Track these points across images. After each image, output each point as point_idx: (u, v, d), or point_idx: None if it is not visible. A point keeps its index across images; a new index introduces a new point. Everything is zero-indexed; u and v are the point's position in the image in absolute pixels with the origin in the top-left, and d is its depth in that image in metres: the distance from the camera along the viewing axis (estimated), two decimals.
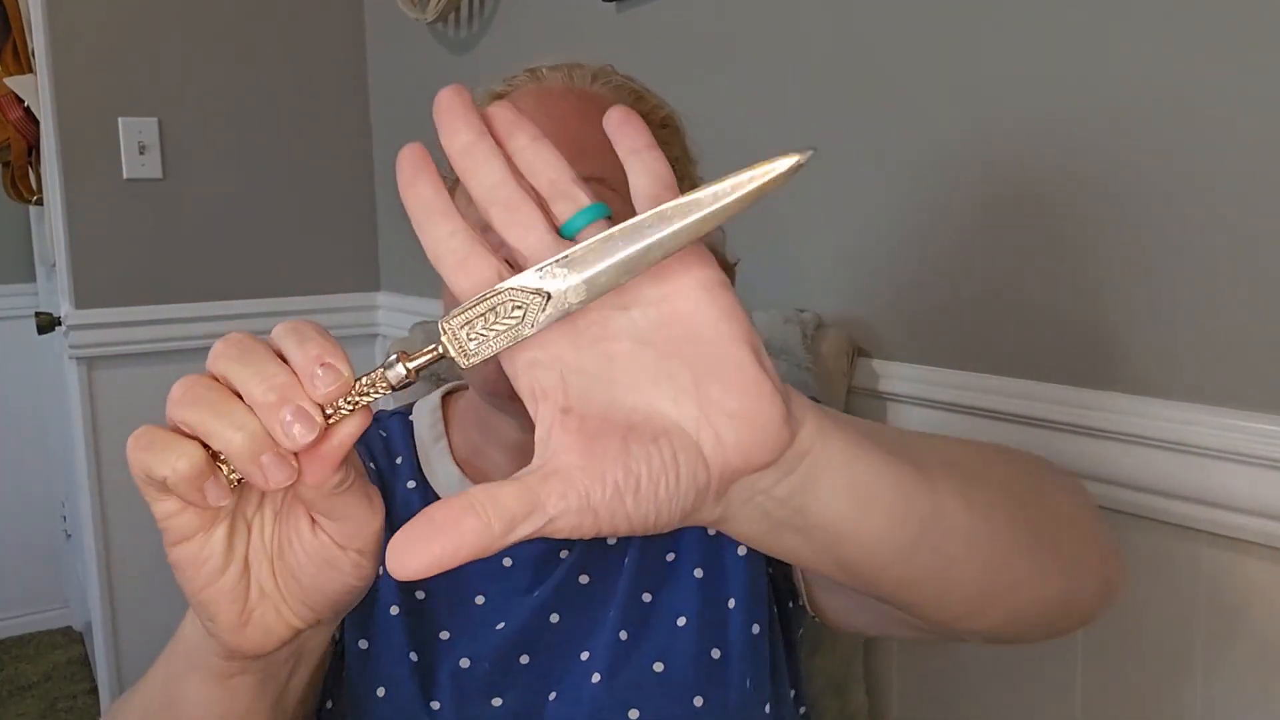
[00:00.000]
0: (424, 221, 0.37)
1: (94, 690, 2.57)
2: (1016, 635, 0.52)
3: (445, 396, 0.80)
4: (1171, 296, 0.78)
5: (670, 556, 0.70)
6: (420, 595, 0.69)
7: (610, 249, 0.35)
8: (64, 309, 1.87)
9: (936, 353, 0.96)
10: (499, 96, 0.69)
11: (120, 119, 1.87)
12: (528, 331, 0.36)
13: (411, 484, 0.73)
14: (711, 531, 0.71)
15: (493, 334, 0.36)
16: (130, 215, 1.90)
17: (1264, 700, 0.75)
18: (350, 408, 0.38)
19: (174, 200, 1.94)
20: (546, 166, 0.38)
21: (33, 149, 2.35)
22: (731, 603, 0.68)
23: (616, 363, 0.36)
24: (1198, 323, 0.76)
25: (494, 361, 0.37)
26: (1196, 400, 0.77)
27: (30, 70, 2.21)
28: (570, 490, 0.34)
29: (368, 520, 0.43)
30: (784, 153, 0.35)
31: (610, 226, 0.36)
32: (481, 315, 0.36)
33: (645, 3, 1.30)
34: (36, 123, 2.17)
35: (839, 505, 0.39)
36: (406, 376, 0.38)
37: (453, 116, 0.38)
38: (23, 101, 2.30)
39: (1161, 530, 0.80)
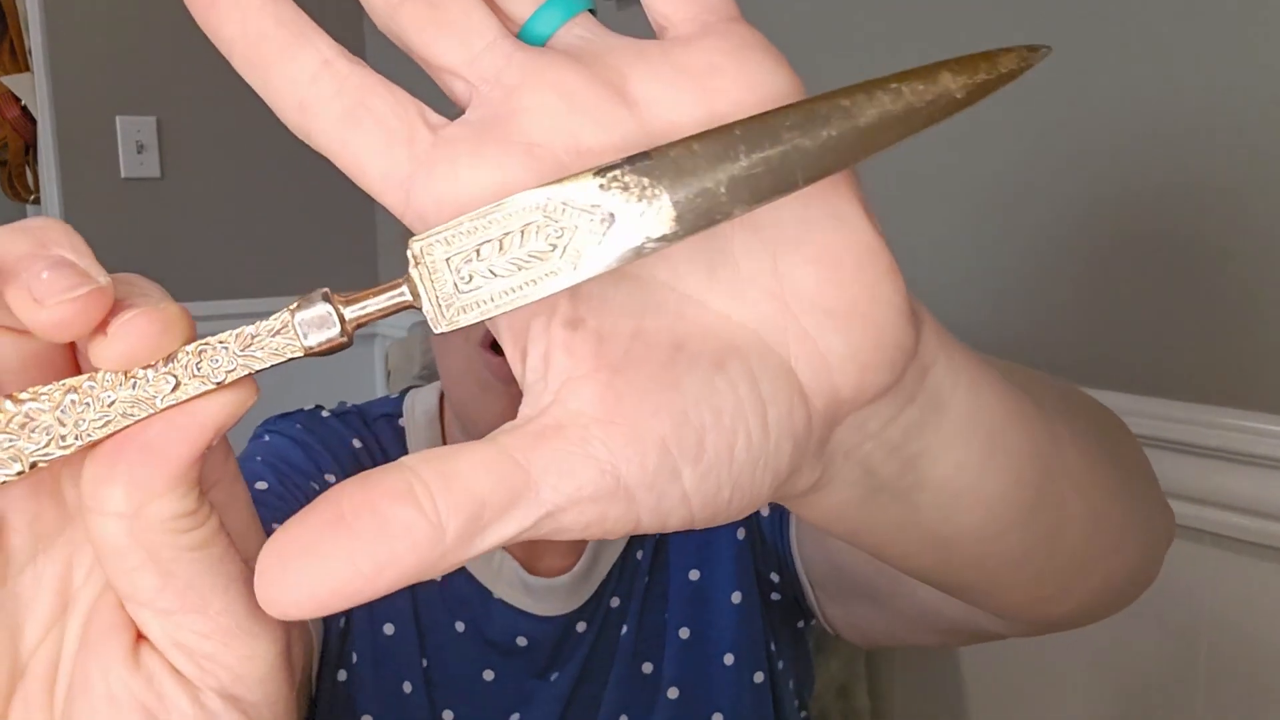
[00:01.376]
0: (259, 54, 0.22)
1: None
2: (1090, 615, 0.40)
3: (443, 396, 0.71)
4: (1175, 297, 0.77)
5: (647, 668, 0.65)
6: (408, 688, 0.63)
7: (725, 150, 0.21)
8: None
9: None
10: None
11: (118, 118, 1.87)
12: (569, 277, 0.21)
13: None
14: (694, 576, 0.67)
15: (503, 278, 0.21)
16: (128, 215, 1.90)
17: (1264, 701, 0.75)
18: (223, 376, 0.21)
19: (172, 200, 1.94)
20: None
21: (30, 148, 2.35)
22: (729, 658, 0.65)
23: None
24: (1197, 322, 0.76)
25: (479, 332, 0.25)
26: (1198, 400, 0.76)
27: (27, 69, 2.20)
28: (585, 459, 0.20)
29: (251, 632, 0.22)
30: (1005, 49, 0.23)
31: (594, 26, 0.24)
32: (489, 241, 0.21)
33: None
34: (34, 122, 2.16)
35: (960, 449, 0.28)
36: (336, 335, 0.21)
37: None
38: (20, 100, 2.29)
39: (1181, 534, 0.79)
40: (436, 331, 0.22)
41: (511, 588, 0.64)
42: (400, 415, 0.69)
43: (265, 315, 0.21)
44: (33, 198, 2.49)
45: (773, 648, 0.67)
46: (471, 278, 0.21)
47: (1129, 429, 0.44)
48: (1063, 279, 0.85)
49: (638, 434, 0.21)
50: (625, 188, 0.21)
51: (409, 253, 0.21)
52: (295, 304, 0.21)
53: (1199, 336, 0.76)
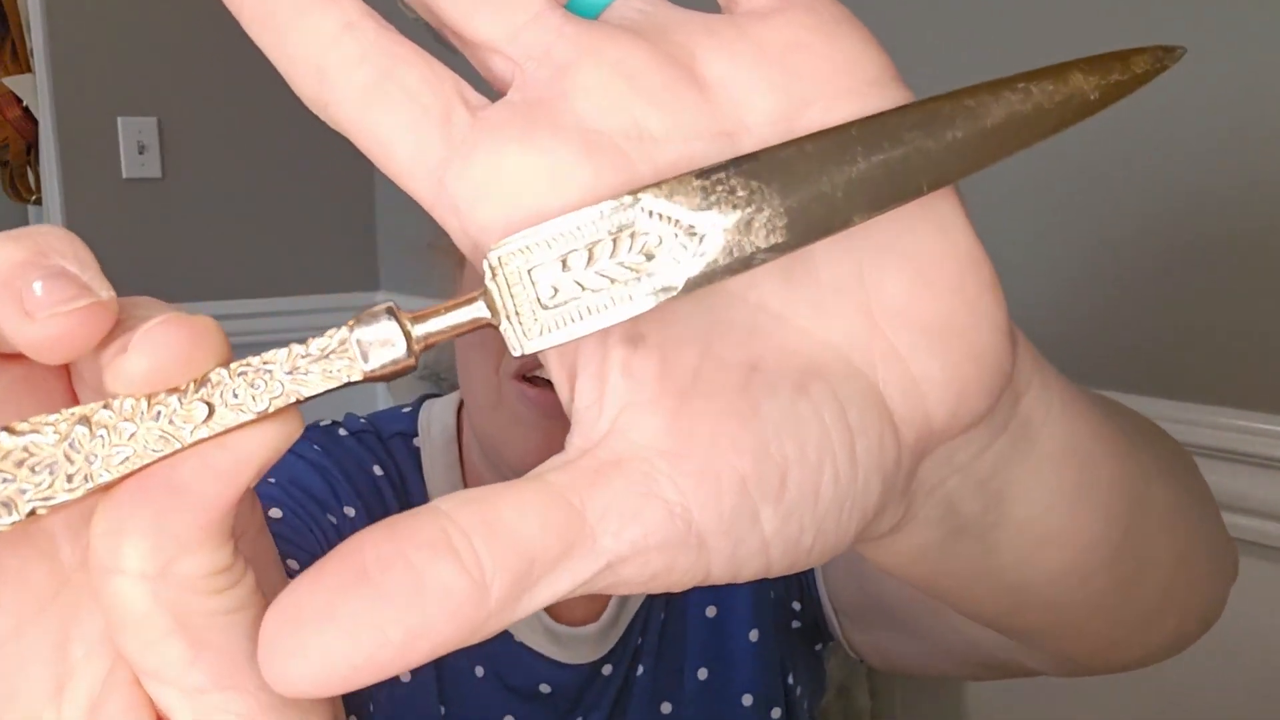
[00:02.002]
0: (272, 12, 0.19)
1: None
2: (1153, 660, 0.36)
3: (461, 408, 0.64)
4: (1175, 296, 0.77)
5: (666, 708, 0.62)
6: None
7: (841, 151, 0.19)
8: None
9: None
10: None
11: (119, 118, 1.87)
12: (670, 291, 0.18)
13: None
14: (711, 613, 0.63)
15: (593, 292, 0.18)
16: (129, 215, 1.90)
17: (1264, 700, 0.75)
18: (266, 403, 0.17)
19: (173, 200, 1.94)
20: None
21: (31, 148, 2.35)
22: (748, 699, 0.63)
23: None
24: (1197, 322, 0.76)
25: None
26: (1199, 401, 0.76)
27: (29, 69, 2.20)
28: (651, 500, 0.17)
29: (299, 709, 0.18)
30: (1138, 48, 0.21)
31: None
32: (576, 250, 0.18)
33: None
34: (35, 122, 2.16)
35: (1051, 483, 0.25)
36: (402, 357, 0.18)
37: None
38: (21, 101, 2.29)
39: None
40: (516, 354, 0.19)
41: (535, 633, 0.60)
42: (416, 434, 0.63)
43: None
44: (34, 198, 2.49)
45: (790, 680, 0.65)
46: (556, 292, 0.18)
47: (1196, 464, 0.39)
48: (1062, 279, 0.85)
49: (712, 470, 0.17)
50: (731, 191, 0.18)
51: (486, 264, 0.18)
52: (353, 319, 0.18)
53: (1199, 336, 0.76)
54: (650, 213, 0.18)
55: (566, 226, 0.18)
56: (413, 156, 0.19)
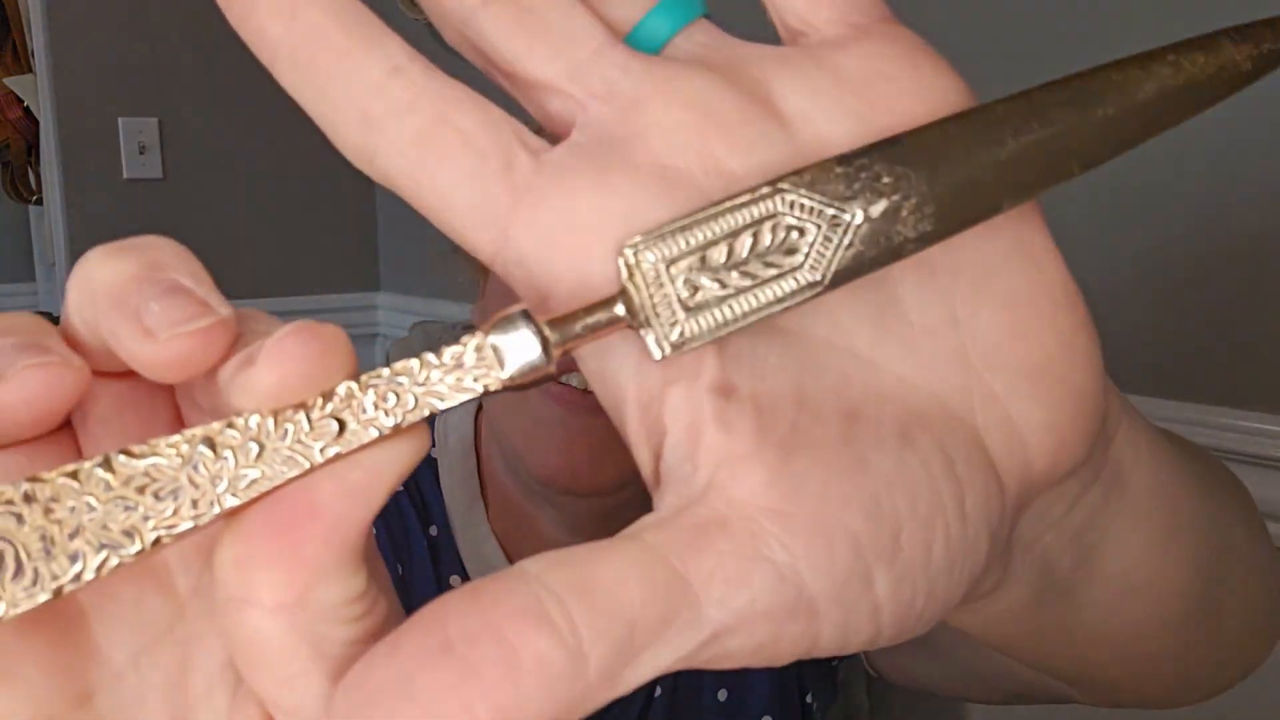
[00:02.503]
0: (310, 56, 0.18)
1: None
2: (1216, 694, 0.35)
3: (479, 415, 0.60)
4: (1175, 297, 0.77)
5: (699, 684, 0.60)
6: None
7: (987, 134, 0.18)
8: (63, 309, 1.87)
9: None
10: None
11: (120, 119, 1.87)
12: (818, 286, 0.17)
13: (456, 579, 0.53)
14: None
15: (737, 287, 0.17)
16: (130, 215, 1.90)
17: (1264, 700, 0.75)
18: (399, 418, 0.16)
19: (174, 200, 1.94)
20: None
21: (32, 149, 2.35)
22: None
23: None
24: (1198, 322, 0.76)
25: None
26: (1199, 400, 0.76)
27: (30, 70, 2.20)
28: (759, 563, 0.16)
29: None
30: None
31: (715, 32, 0.19)
32: (715, 243, 0.17)
33: None
34: (36, 122, 2.16)
35: (1141, 534, 0.23)
36: (540, 362, 0.17)
37: None
38: (22, 101, 2.29)
39: None
40: (658, 359, 0.17)
41: None
42: (432, 444, 0.62)
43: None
44: (35, 198, 2.49)
45: (809, 700, 0.65)
46: (697, 290, 0.17)
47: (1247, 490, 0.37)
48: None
49: (824, 529, 0.16)
50: (876, 178, 0.17)
51: (620, 262, 0.17)
52: (488, 326, 0.17)
53: (1199, 337, 0.76)
54: (792, 203, 0.17)
55: (702, 219, 0.17)
56: (474, 207, 0.17)
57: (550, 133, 0.19)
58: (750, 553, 0.16)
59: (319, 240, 2.08)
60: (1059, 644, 0.26)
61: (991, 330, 0.18)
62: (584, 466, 0.51)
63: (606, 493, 0.53)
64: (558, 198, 0.17)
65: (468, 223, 0.17)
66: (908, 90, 0.18)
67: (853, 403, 0.17)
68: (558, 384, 0.50)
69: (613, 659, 0.14)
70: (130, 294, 0.16)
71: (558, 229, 0.17)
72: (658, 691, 0.61)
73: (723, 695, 0.61)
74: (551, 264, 0.17)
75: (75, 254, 1.88)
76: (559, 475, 0.49)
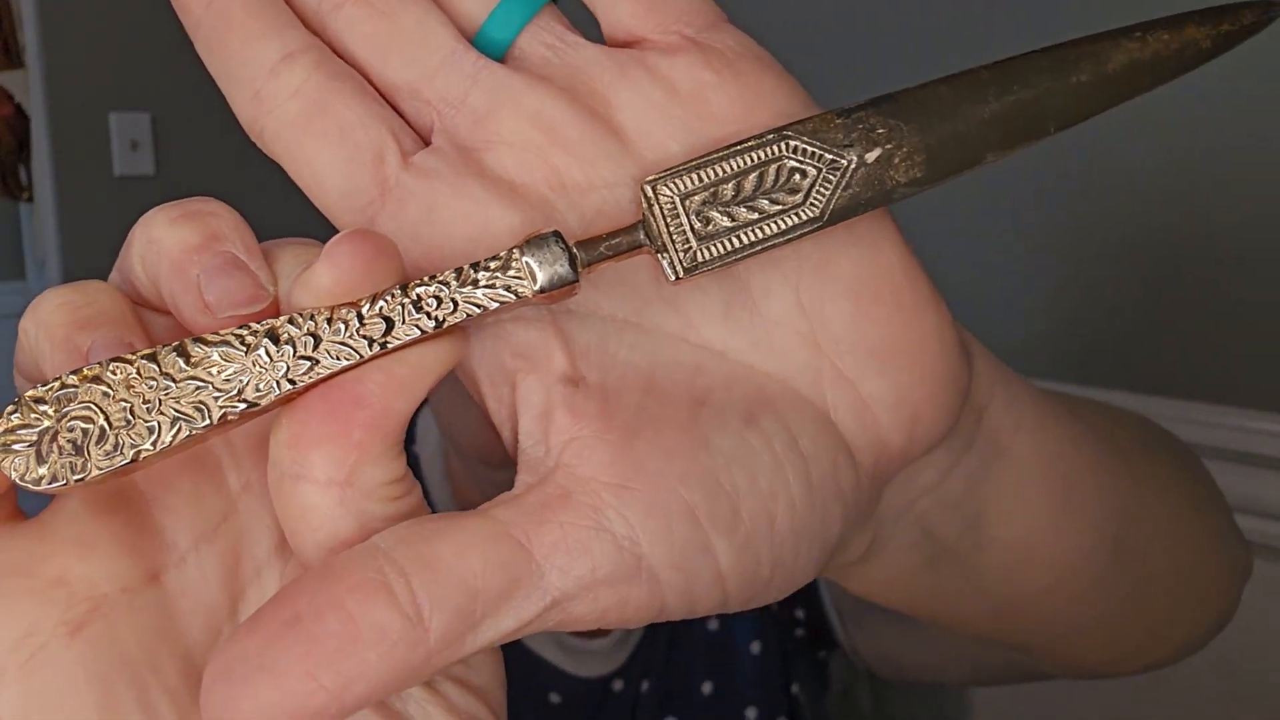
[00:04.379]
0: (218, 35, 0.20)
1: None
2: (1163, 665, 0.36)
3: None
4: (1175, 297, 0.77)
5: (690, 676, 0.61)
6: None
7: (973, 93, 0.20)
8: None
9: None
10: None
11: (111, 114, 1.86)
12: (816, 221, 0.19)
13: None
14: (714, 625, 0.62)
15: (745, 219, 0.19)
16: (122, 212, 1.88)
17: (1265, 700, 0.74)
18: (442, 319, 0.18)
19: (166, 197, 1.90)
20: None
21: (23, 145, 2.34)
22: (751, 712, 0.62)
23: (658, 290, 0.20)
24: (1198, 322, 0.75)
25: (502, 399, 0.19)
26: (1199, 400, 0.76)
27: (21, 66, 2.19)
28: (600, 534, 0.17)
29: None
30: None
31: (559, 29, 0.21)
32: (727, 180, 0.19)
33: None
34: (27, 119, 2.15)
35: (1030, 501, 0.24)
36: (569, 275, 0.18)
37: None
38: (13, 97, 2.28)
39: None
40: (672, 279, 0.19)
41: (544, 644, 0.59)
42: (415, 440, 0.60)
43: None
44: (26, 195, 2.48)
45: (794, 690, 0.65)
46: (709, 221, 0.19)
47: (1202, 462, 0.38)
48: (1064, 278, 0.85)
49: (662, 502, 0.17)
50: (871, 129, 0.19)
51: (642, 193, 0.19)
52: (521, 242, 0.18)
53: (1199, 336, 0.76)
54: (795, 148, 0.19)
55: (715, 159, 0.19)
56: (344, 194, 0.19)
57: (420, 137, 0.20)
58: (591, 524, 0.17)
59: (314, 236, 2.07)
60: (970, 610, 0.27)
61: (837, 316, 0.20)
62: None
63: None
64: (419, 199, 0.19)
65: (338, 207, 0.19)
66: (735, 99, 0.20)
67: (702, 390, 0.19)
68: None
69: (453, 626, 0.16)
70: (191, 264, 0.18)
71: (416, 226, 0.19)
72: (645, 685, 0.61)
73: (708, 688, 0.61)
74: (411, 254, 0.19)
75: (67, 252, 1.87)
76: (484, 447, 0.50)
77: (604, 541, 0.17)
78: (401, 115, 0.20)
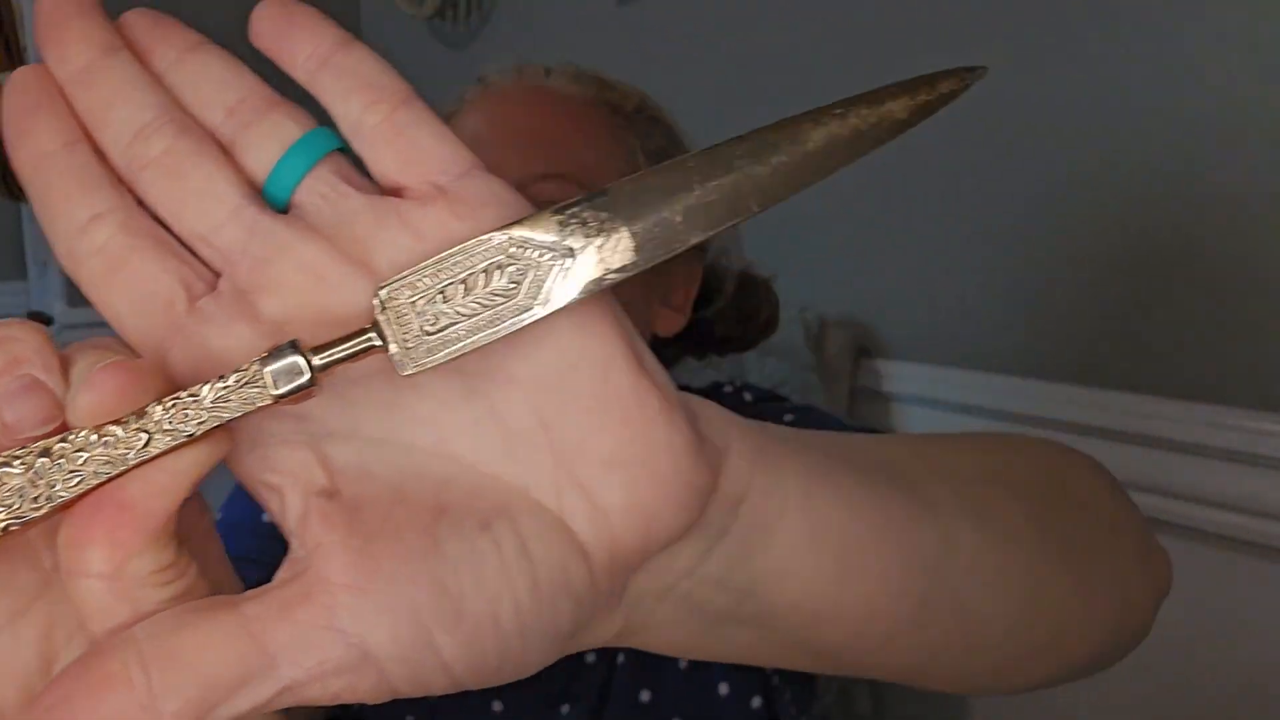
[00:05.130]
0: (42, 194, 0.22)
1: None
2: (1060, 682, 0.38)
3: None
4: (1176, 296, 0.77)
5: (645, 696, 0.61)
6: None
7: (679, 181, 0.22)
8: (57, 308, 1.86)
9: (944, 352, 0.95)
10: (449, 117, 0.63)
11: None
12: (534, 312, 0.21)
13: None
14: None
15: (467, 319, 0.21)
16: None
17: (1265, 700, 0.74)
18: (194, 429, 0.21)
19: None
20: (225, 84, 0.23)
21: None
22: (724, 688, 0.62)
23: (412, 410, 0.22)
24: (1199, 322, 0.75)
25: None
26: (1198, 400, 0.76)
27: (21, 65, 2.19)
28: (329, 631, 0.20)
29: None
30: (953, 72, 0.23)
31: (333, 180, 0.23)
32: (453, 283, 0.21)
33: None
34: None
35: (808, 572, 0.26)
36: (305, 383, 0.21)
37: (59, 26, 0.23)
38: None
39: (1169, 531, 0.79)
40: (404, 374, 0.21)
41: None
42: None
43: None
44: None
45: (767, 669, 0.65)
46: (438, 319, 0.21)
47: (1095, 473, 0.40)
48: (1065, 279, 0.85)
49: (390, 604, 0.20)
50: (584, 223, 0.21)
51: (375, 299, 0.21)
52: (265, 352, 0.21)
53: (1200, 336, 0.76)
54: (515, 247, 0.21)
55: (444, 263, 0.21)
56: (140, 334, 0.22)
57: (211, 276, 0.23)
58: (323, 624, 0.20)
59: None
60: (788, 659, 0.29)
61: (573, 430, 0.22)
62: None
63: None
64: (197, 339, 0.22)
65: (138, 346, 0.22)
66: (470, 237, 0.22)
67: (447, 500, 0.22)
68: None
69: (188, 711, 0.19)
70: None
71: (200, 360, 0.22)
72: (620, 658, 0.62)
73: (684, 664, 0.62)
74: (198, 377, 0.22)
75: None
76: None
77: (333, 638, 0.20)
78: (204, 260, 0.23)
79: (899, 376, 0.98)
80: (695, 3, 1.20)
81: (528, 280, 0.21)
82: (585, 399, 0.22)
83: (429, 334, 0.21)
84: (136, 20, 0.24)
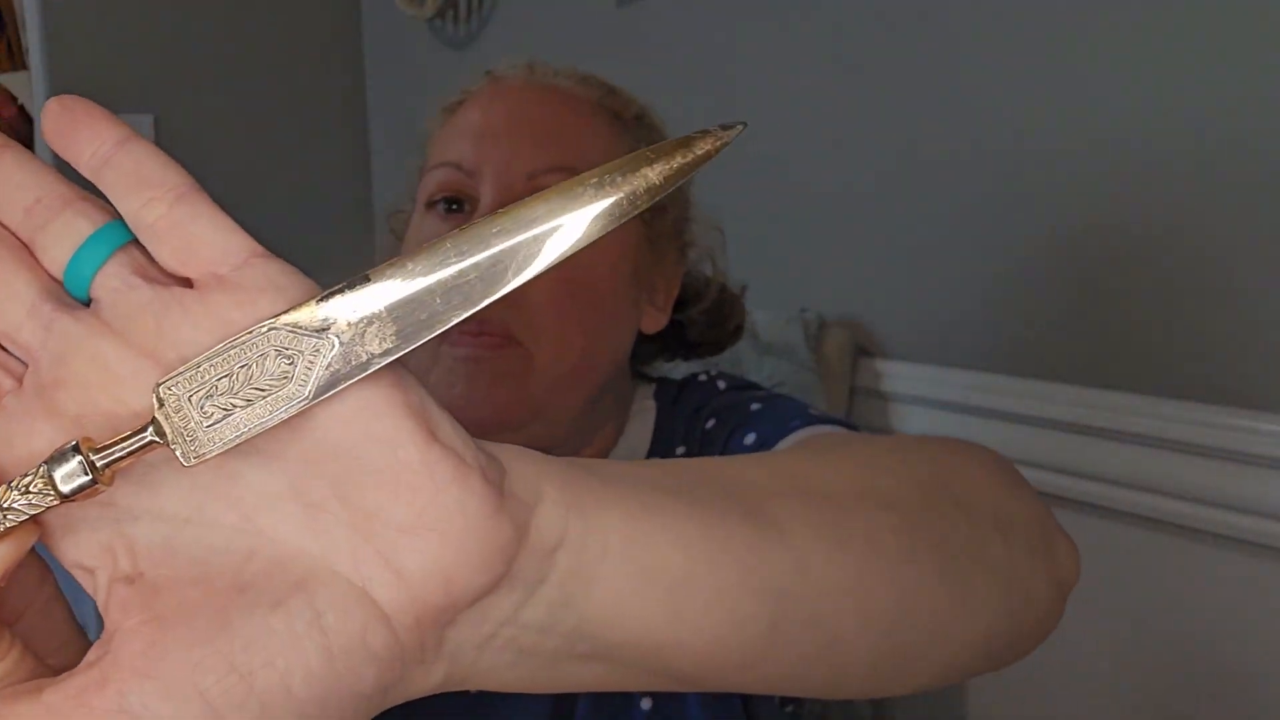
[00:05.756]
0: None
1: None
2: (951, 681, 0.38)
3: None
4: (1176, 296, 0.77)
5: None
6: None
7: (438, 263, 0.23)
8: None
9: (944, 352, 0.95)
10: (456, 107, 0.65)
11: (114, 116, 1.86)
12: (302, 400, 0.22)
13: None
14: None
15: (242, 408, 0.22)
16: None
17: (1266, 700, 0.74)
18: None
19: None
20: (22, 185, 0.25)
21: (26, 147, 2.34)
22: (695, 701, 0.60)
23: (215, 489, 0.23)
24: (1198, 322, 0.75)
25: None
26: (1198, 400, 0.76)
27: (24, 67, 2.19)
28: (120, 716, 0.21)
29: None
30: (714, 130, 0.24)
31: (125, 273, 0.24)
32: (226, 376, 0.22)
33: None
34: (30, 121, 2.15)
35: (638, 610, 0.27)
36: (89, 483, 0.22)
37: None
38: (16, 99, 2.28)
39: (1169, 531, 0.79)
40: (187, 465, 0.22)
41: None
42: None
43: None
44: None
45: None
46: (214, 411, 0.22)
47: (998, 478, 0.40)
48: (1064, 279, 0.85)
49: (175, 688, 0.21)
50: (349, 309, 0.23)
51: (153, 397, 0.23)
52: (49, 456, 0.22)
53: (1199, 336, 0.76)
54: (280, 338, 0.22)
55: (216, 358, 0.23)
56: None
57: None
58: (116, 708, 0.21)
59: (315, 239, 2.07)
60: (649, 684, 0.30)
61: (367, 501, 0.23)
62: (501, 397, 0.57)
63: (532, 424, 0.57)
64: (5, 433, 0.23)
65: None
66: (254, 323, 0.23)
67: (248, 577, 0.23)
68: (465, 335, 0.57)
69: None
70: None
71: (5, 456, 0.23)
72: (581, 702, 0.59)
73: (647, 704, 0.59)
74: (5, 475, 0.23)
75: None
76: (489, 416, 0.55)
77: None
78: (9, 353, 0.24)
79: (898, 376, 0.98)
80: (694, 4, 1.20)
81: (298, 367, 0.22)
82: (376, 472, 0.23)
83: (207, 425, 0.22)
84: None
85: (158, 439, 0.22)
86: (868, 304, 1.02)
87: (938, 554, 0.35)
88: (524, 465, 0.26)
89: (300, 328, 0.22)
